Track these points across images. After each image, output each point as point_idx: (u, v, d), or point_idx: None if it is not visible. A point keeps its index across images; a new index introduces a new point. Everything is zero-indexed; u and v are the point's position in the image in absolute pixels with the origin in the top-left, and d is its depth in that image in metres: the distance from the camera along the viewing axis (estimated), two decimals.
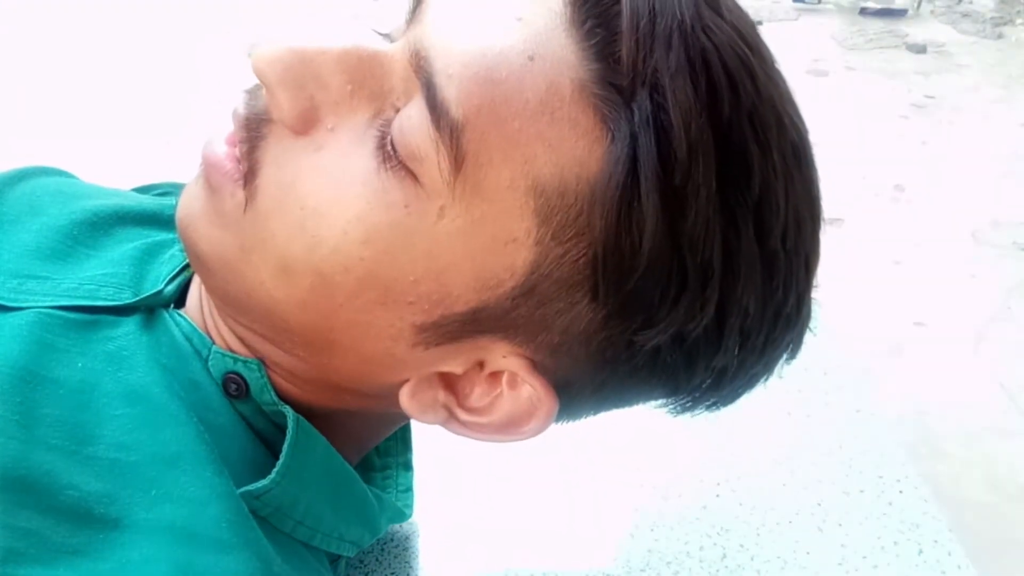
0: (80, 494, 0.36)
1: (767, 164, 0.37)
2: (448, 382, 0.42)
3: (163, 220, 0.52)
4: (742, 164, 0.36)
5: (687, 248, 0.35)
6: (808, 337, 0.45)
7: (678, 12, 0.35)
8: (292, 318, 0.40)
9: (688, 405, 0.42)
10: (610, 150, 0.35)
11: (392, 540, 0.59)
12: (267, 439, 0.43)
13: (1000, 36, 3.40)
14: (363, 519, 0.48)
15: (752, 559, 0.58)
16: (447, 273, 0.37)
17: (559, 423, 0.45)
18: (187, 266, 0.47)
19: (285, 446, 0.41)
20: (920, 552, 0.59)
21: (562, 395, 0.41)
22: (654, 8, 0.35)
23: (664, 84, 0.34)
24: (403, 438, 0.56)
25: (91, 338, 0.42)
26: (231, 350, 0.43)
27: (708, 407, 0.43)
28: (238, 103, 0.40)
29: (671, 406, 0.43)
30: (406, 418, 0.50)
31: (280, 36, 0.38)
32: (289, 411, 0.42)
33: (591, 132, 0.35)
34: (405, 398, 0.41)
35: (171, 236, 0.50)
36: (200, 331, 0.44)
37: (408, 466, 0.56)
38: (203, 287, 0.45)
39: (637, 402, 0.45)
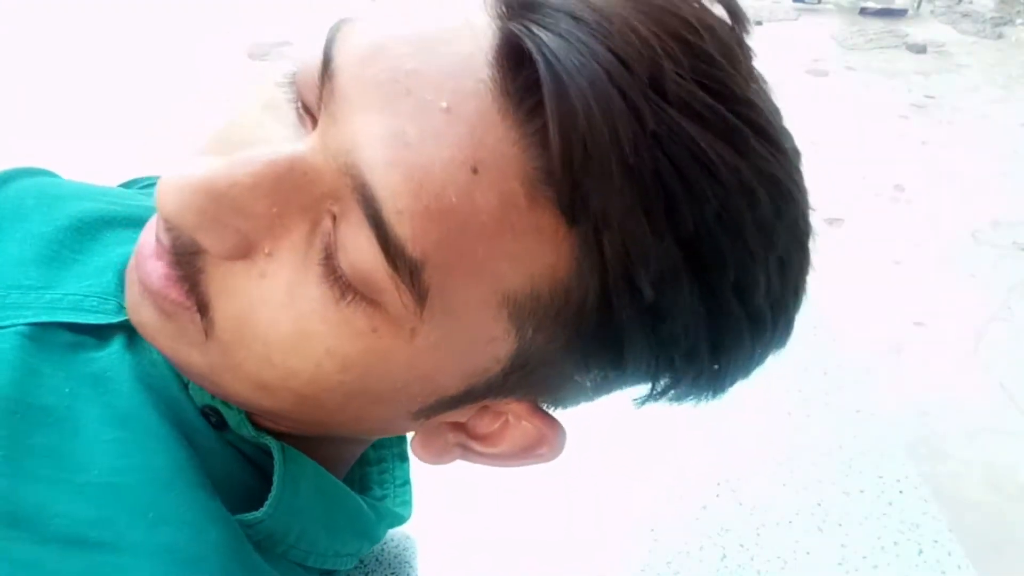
0: (71, 521, 0.35)
1: (742, 248, 0.34)
2: (455, 423, 0.42)
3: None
4: (716, 259, 0.34)
5: (670, 343, 0.35)
6: (808, 337, 0.45)
7: (614, 123, 0.31)
8: (282, 411, 0.39)
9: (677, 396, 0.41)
10: (577, 259, 0.33)
11: (392, 539, 0.58)
12: (254, 461, 0.43)
13: (1000, 36, 3.40)
14: (360, 532, 0.48)
15: (752, 559, 0.58)
16: (433, 375, 0.37)
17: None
18: None
19: (275, 477, 0.41)
20: (920, 552, 0.59)
21: (567, 407, 0.42)
22: (587, 120, 0.31)
23: (614, 223, 0.32)
24: None
25: (76, 359, 0.41)
26: None
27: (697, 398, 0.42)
28: (158, 230, 0.36)
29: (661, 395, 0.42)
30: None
31: (178, 169, 0.34)
32: (272, 442, 0.42)
33: (555, 231, 0.33)
34: (417, 448, 0.41)
35: None
36: None
37: (404, 456, 0.55)
38: None
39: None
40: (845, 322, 1.79)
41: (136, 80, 2.77)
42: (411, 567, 0.57)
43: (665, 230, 0.32)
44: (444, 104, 0.32)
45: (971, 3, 3.64)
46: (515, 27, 0.32)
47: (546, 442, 0.41)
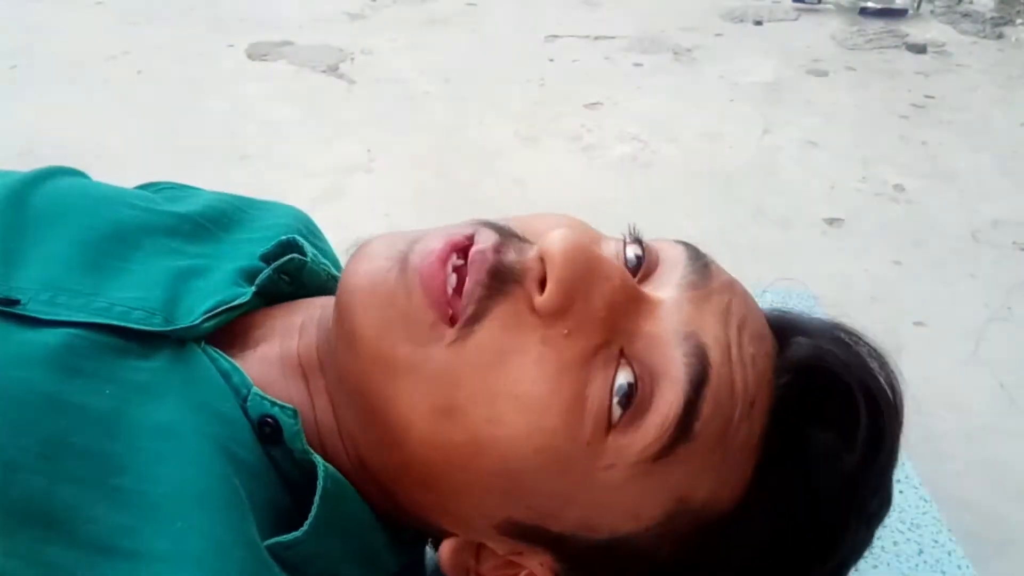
0: (102, 528, 0.35)
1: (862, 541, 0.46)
2: (479, 549, 0.45)
3: (184, 232, 0.52)
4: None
5: None
6: None
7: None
8: (413, 445, 0.40)
9: None
10: (754, 519, 0.41)
11: None
12: (296, 486, 0.43)
13: (1000, 36, 3.40)
14: (383, 565, 0.48)
15: None
16: (572, 504, 0.40)
17: None
18: (230, 309, 0.47)
19: (316, 498, 0.41)
20: (920, 552, 0.59)
21: None
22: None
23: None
24: None
25: (120, 365, 0.41)
26: (287, 395, 0.44)
27: None
28: (485, 243, 0.41)
29: None
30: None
31: (579, 230, 0.42)
32: (319, 460, 0.42)
33: (744, 477, 0.42)
34: (445, 553, 0.44)
35: (200, 259, 0.50)
36: (242, 371, 0.44)
37: None
38: (295, 341, 0.46)
39: None
40: (845, 322, 1.79)
41: (136, 79, 2.77)
42: None
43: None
44: (752, 351, 0.42)
45: (971, 3, 3.64)
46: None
47: None
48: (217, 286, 0.48)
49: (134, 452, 0.38)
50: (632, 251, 0.45)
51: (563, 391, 0.39)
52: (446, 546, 0.44)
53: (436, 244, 0.41)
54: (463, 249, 0.41)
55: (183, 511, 0.37)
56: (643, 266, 0.44)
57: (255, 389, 0.43)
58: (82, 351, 0.41)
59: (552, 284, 0.39)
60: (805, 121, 2.65)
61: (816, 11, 3.53)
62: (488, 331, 0.39)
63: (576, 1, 3.58)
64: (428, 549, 0.57)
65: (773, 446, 0.43)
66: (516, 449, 0.39)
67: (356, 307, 0.40)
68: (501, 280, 0.40)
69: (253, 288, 0.49)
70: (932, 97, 2.85)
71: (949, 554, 0.59)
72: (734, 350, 0.41)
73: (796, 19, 3.48)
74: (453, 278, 0.40)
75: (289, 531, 0.41)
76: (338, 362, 0.43)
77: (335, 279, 0.53)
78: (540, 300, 0.40)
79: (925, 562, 0.59)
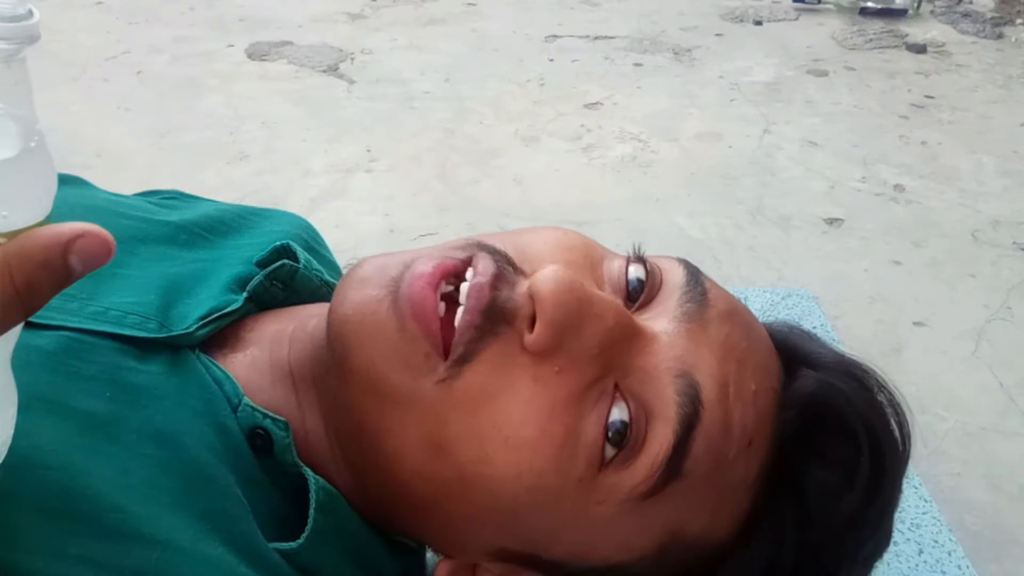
0: (126, 516, 0.35)
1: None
2: (475, 569, 0.44)
3: (180, 241, 0.52)
4: None
5: None
6: None
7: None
8: (405, 475, 0.40)
9: None
10: (750, 551, 0.42)
11: None
12: (290, 497, 0.43)
13: (1000, 36, 3.40)
14: (385, 571, 0.48)
15: None
16: (563, 536, 0.41)
17: None
18: (222, 316, 0.47)
19: (311, 510, 0.41)
20: (920, 552, 0.59)
21: None
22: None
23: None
24: None
25: (119, 367, 0.41)
26: (275, 406, 0.44)
27: None
28: (483, 276, 0.40)
29: None
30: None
31: (574, 256, 0.42)
32: (310, 474, 0.42)
33: (741, 513, 0.42)
34: (443, 571, 0.44)
35: (195, 264, 0.50)
36: (234, 380, 0.44)
37: None
38: (284, 356, 0.46)
39: None
40: (845, 322, 1.79)
41: (136, 79, 2.77)
42: None
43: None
44: (754, 387, 0.42)
45: (971, 3, 3.64)
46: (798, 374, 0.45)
47: None
48: (211, 293, 0.48)
49: (137, 458, 0.38)
50: (635, 272, 0.44)
51: (554, 430, 0.39)
52: (442, 568, 0.45)
53: (426, 269, 0.40)
54: (456, 273, 0.41)
55: (191, 522, 0.37)
56: (646, 289, 0.44)
57: (246, 400, 0.43)
58: (80, 354, 0.41)
59: (540, 325, 0.39)
60: (805, 121, 2.66)
61: (816, 11, 3.53)
62: (477, 372, 0.39)
63: (576, 1, 3.58)
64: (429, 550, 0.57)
65: (773, 481, 0.43)
66: (506, 488, 0.39)
67: (348, 337, 0.40)
68: (493, 321, 0.39)
69: (245, 294, 0.49)
70: (932, 97, 2.85)
71: (949, 554, 0.59)
72: (732, 387, 0.41)
73: (796, 19, 3.48)
74: (442, 307, 0.40)
75: (291, 538, 0.41)
76: (332, 388, 0.43)
77: (328, 285, 0.53)
78: (529, 339, 0.39)
79: (925, 562, 0.59)
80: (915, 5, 3.52)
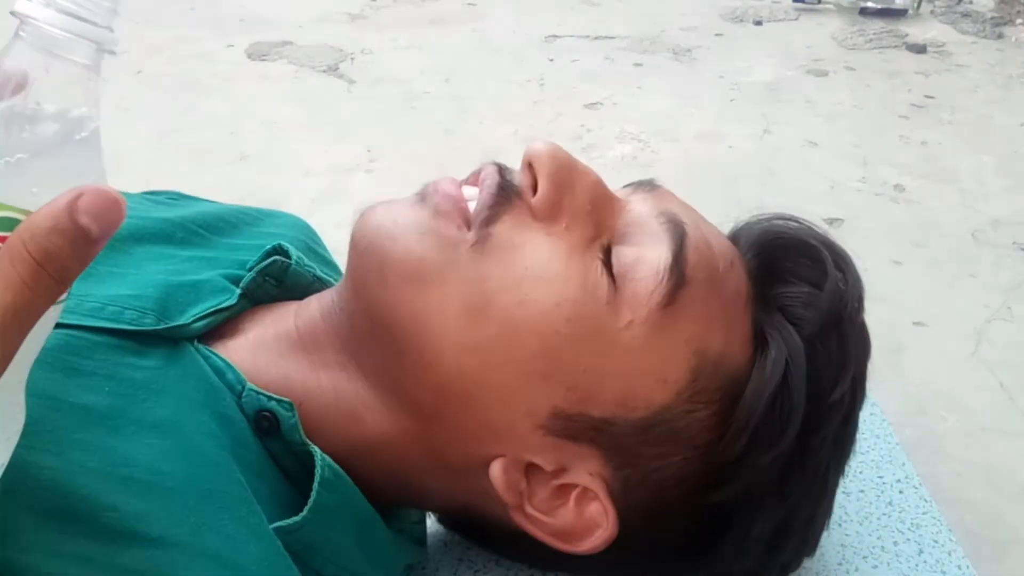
0: (120, 515, 0.36)
1: (862, 406, 0.49)
2: (527, 474, 0.45)
3: (177, 239, 0.52)
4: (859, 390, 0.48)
5: (809, 453, 0.45)
6: None
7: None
8: (448, 358, 0.42)
9: None
10: (766, 362, 0.45)
11: None
12: (295, 478, 0.44)
13: (1000, 36, 3.40)
14: (386, 559, 0.49)
15: None
16: (607, 378, 0.43)
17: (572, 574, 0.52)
18: (218, 311, 0.48)
19: (315, 484, 0.42)
20: (920, 552, 0.59)
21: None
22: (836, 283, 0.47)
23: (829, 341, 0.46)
24: None
25: (118, 362, 0.42)
26: (272, 385, 0.44)
27: None
28: (488, 172, 0.47)
29: None
30: (420, 504, 0.53)
31: (552, 142, 0.47)
32: (316, 451, 0.43)
33: (748, 338, 0.47)
34: (497, 470, 0.44)
35: (191, 263, 0.51)
36: (235, 367, 0.44)
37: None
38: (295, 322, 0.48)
39: (641, 573, 0.51)
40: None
41: (136, 79, 2.77)
42: None
43: (852, 361, 0.47)
44: (715, 231, 0.49)
45: (971, 3, 3.64)
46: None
47: (595, 533, 0.45)
48: (207, 290, 0.49)
49: (138, 447, 0.38)
50: None
51: (575, 265, 0.44)
52: (496, 466, 0.44)
53: (447, 180, 0.47)
54: (470, 185, 0.47)
55: (194, 507, 0.37)
56: None
57: (250, 385, 0.44)
58: (79, 350, 0.41)
59: (542, 180, 0.45)
60: (805, 121, 2.65)
61: (816, 11, 3.53)
62: (503, 229, 0.44)
63: (576, 1, 3.58)
64: (428, 547, 0.57)
65: (760, 307, 0.47)
66: (548, 323, 0.42)
67: (383, 238, 0.44)
68: (506, 193, 0.45)
69: (239, 290, 0.49)
70: (932, 97, 2.85)
71: (949, 554, 0.59)
72: (703, 227, 0.48)
73: (796, 19, 3.48)
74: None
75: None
76: (361, 305, 0.45)
77: (321, 281, 0.54)
78: (536, 199, 0.45)
79: (925, 562, 0.59)
80: (915, 5, 3.52)
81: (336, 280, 0.53)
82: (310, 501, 0.42)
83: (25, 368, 0.30)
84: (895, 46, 3.25)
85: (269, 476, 0.43)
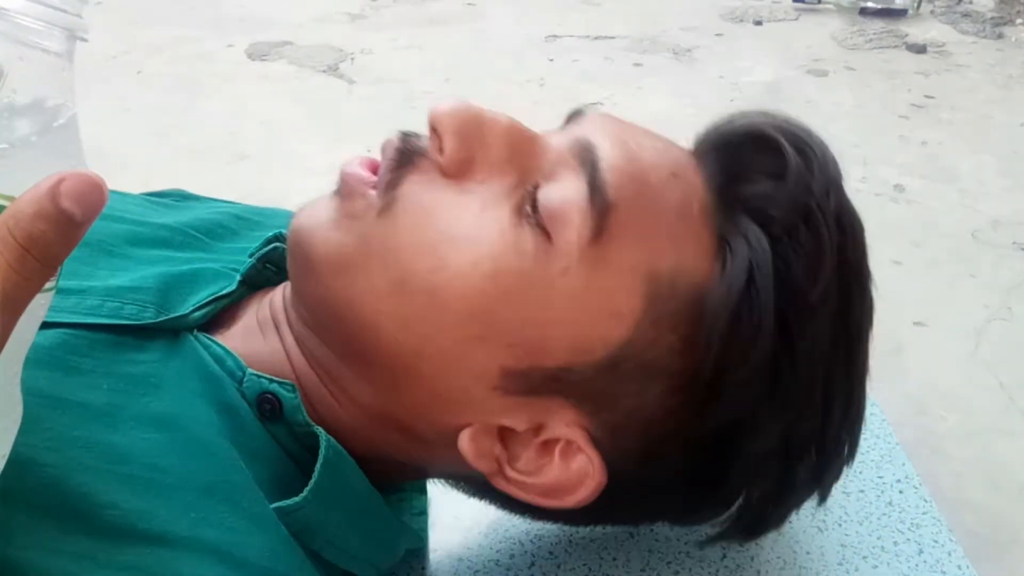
0: (121, 512, 0.36)
1: (863, 303, 0.45)
2: (504, 438, 0.44)
3: (175, 243, 0.53)
4: (848, 308, 0.43)
5: (800, 359, 0.42)
6: None
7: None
8: (386, 336, 0.41)
9: (711, 533, 0.48)
10: (727, 270, 0.41)
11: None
12: (299, 462, 0.44)
13: (1000, 36, 3.40)
14: (387, 543, 0.49)
15: (752, 559, 0.59)
16: (550, 326, 0.41)
17: (578, 526, 0.50)
18: (218, 299, 0.48)
19: (318, 465, 0.42)
20: (920, 552, 0.59)
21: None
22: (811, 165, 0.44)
23: (800, 236, 0.42)
24: None
25: (116, 359, 0.42)
26: (267, 370, 0.44)
27: (726, 537, 0.48)
28: (389, 141, 0.45)
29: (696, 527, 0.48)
30: (424, 475, 0.52)
31: (458, 97, 0.45)
32: (321, 431, 0.43)
33: (708, 249, 0.42)
34: (465, 439, 0.43)
35: (189, 264, 0.51)
36: (235, 354, 0.44)
37: (423, 490, 0.56)
38: (278, 304, 0.48)
39: (659, 517, 0.51)
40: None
41: (136, 79, 2.77)
42: None
43: (834, 251, 0.42)
44: (660, 144, 0.46)
45: (971, 3, 3.64)
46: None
47: (583, 484, 0.43)
48: (206, 278, 0.49)
49: (137, 443, 0.38)
50: None
51: (490, 219, 0.41)
52: (463, 437, 0.43)
53: (354, 159, 0.45)
54: (377, 168, 0.45)
55: (194, 502, 0.37)
56: None
57: (250, 370, 0.44)
58: (78, 349, 0.41)
59: (447, 138, 0.43)
60: (805, 121, 2.65)
61: (816, 11, 3.53)
62: (408, 192, 0.42)
63: (576, 1, 3.58)
64: (428, 547, 0.57)
65: (722, 216, 0.44)
66: (469, 284, 0.40)
67: (304, 237, 0.43)
68: (407, 156, 0.43)
69: (239, 277, 0.50)
70: (932, 97, 2.85)
71: (949, 554, 0.59)
72: (631, 143, 0.44)
73: (796, 19, 3.48)
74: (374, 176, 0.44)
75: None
76: (302, 299, 0.45)
77: None
78: (443, 157, 0.43)
79: (925, 562, 0.59)
80: (915, 5, 3.52)
81: None
82: (311, 482, 0.41)
83: (19, 357, 0.30)
84: (895, 46, 3.25)
85: (273, 460, 0.43)
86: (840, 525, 0.61)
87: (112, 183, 0.59)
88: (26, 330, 0.30)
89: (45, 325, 0.42)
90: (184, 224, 0.54)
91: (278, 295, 0.49)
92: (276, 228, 0.59)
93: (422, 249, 0.41)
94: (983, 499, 1.43)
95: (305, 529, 0.41)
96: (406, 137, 0.45)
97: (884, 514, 0.63)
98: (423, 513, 0.55)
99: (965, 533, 1.32)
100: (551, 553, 0.58)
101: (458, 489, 0.54)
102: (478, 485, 0.50)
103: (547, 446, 0.44)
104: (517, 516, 0.54)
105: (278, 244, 0.51)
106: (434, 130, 0.44)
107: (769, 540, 0.59)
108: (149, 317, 0.44)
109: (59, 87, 0.30)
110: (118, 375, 0.41)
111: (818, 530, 0.61)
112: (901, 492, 0.65)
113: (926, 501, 0.64)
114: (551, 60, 3.05)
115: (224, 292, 0.48)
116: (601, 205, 0.40)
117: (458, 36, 3.23)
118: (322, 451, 0.42)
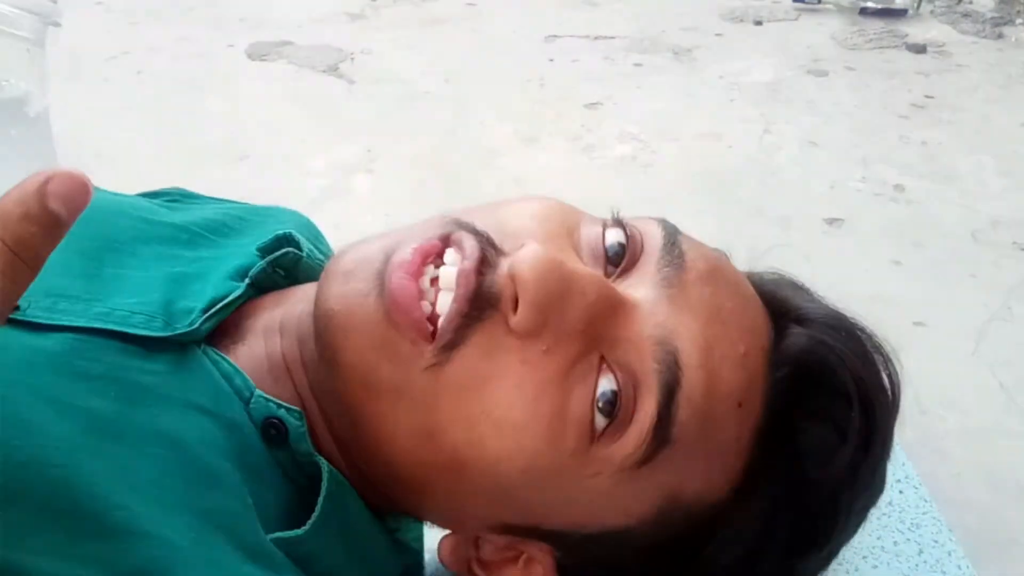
0: (129, 514, 0.35)
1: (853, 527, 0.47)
2: (478, 540, 0.45)
3: (181, 240, 0.52)
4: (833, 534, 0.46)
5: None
6: None
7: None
8: (399, 462, 0.41)
9: None
10: (751, 504, 0.42)
11: None
12: (299, 488, 0.43)
13: (1000, 36, 3.40)
14: (385, 566, 0.49)
15: None
16: (562, 508, 0.41)
17: None
18: (225, 306, 0.47)
19: (320, 498, 0.42)
20: (920, 552, 0.59)
21: None
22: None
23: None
24: None
25: (124, 366, 0.41)
26: (277, 397, 0.44)
27: None
28: (470, 259, 0.40)
29: None
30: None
31: (555, 252, 0.40)
32: (324, 463, 0.43)
33: (735, 474, 0.42)
34: (445, 550, 0.45)
35: (196, 263, 0.50)
36: (243, 373, 0.44)
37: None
38: (289, 353, 0.46)
39: None
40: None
41: (136, 79, 2.77)
42: None
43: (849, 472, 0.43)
44: (742, 349, 0.42)
45: (971, 3, 3.64)
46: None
47: None
48: (213, 284, 0.48)
49: (142, 456, 0.38)
50: (613, 236, 0.44)
51: (543, 410, 0.39)
52: (445, 543, 0.45)
53: (406, 257, 0.40)
54: (438, 254, 0.41)
55: (191, 523, 0.37)
56: (627, 254, 0.43)
57: (258, 392, 0.43)
58: (86, 354, 0.41)
59: (523, 307, 0.39)
60: (805, 121, 2.65)
61: (816, 11, 3.53)
62: (466, 357, 0.39)
63: (576, 1, 3.58)
64: (428, 548, 0.57)
65: (767, 439, 0.43)
66: (499, 469, 0.40)
67: (336, 332, 0.40)
68: (479, 307, 0.39)
69: (247, 281, 0.49)
70: (932, 97, 2.85)
71: (949, 554, 0.59)
72: (717, 350, 0.41)
73: (796, 19, 3.48)
74: (431, 293, 0.40)
75: (296, 528, 0.41)
76: (322, 377, 0.43)
77: None
78: (514, 321, 0.39)
79: (925, 562, 0.59)
80: (915, 5, 3.52)
81: None
82: (313, 516, 0.41)
83: None
84: (895, 46, 3.25)
85: (275, 484, 0.42)
86: None
87: (112, 183, 0.59)
88: None
89: (52, 328, 0.41)
90: (189, 222, 0.54)
91: (291, 334, 0.46)
92: (278, 222, 0.59)
93: (461, 422, 0.39)
94: (983, 499, 1.43)
95: (303, 560, 0.41)
96: (482, 262, 0.40)
97: (884, 514, 0.63)
98: (419, 529, 0.55)
99: (965, 533, 1.32)
100: None
101: None
102: None
103: (513, 549, 0.45)
104: None
105: (290, 250, 0.51)
106: (511, 279, 0.39)
107: None
108: (157, 328, 0.43)
109: (30, 73, 0.29)
110: (125, 383, 0.40)
111: None
112: (901, 492, 0.65)
113: (926, 501, 0.64)
114: (551, 60, 3.05)
115: (231, 298, 0.47)
116: (660, 440, 0.39)
117: (458, 36, 3.22)
118: (324, 484, 0.42)
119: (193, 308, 0.45)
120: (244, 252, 0.52)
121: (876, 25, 3.41)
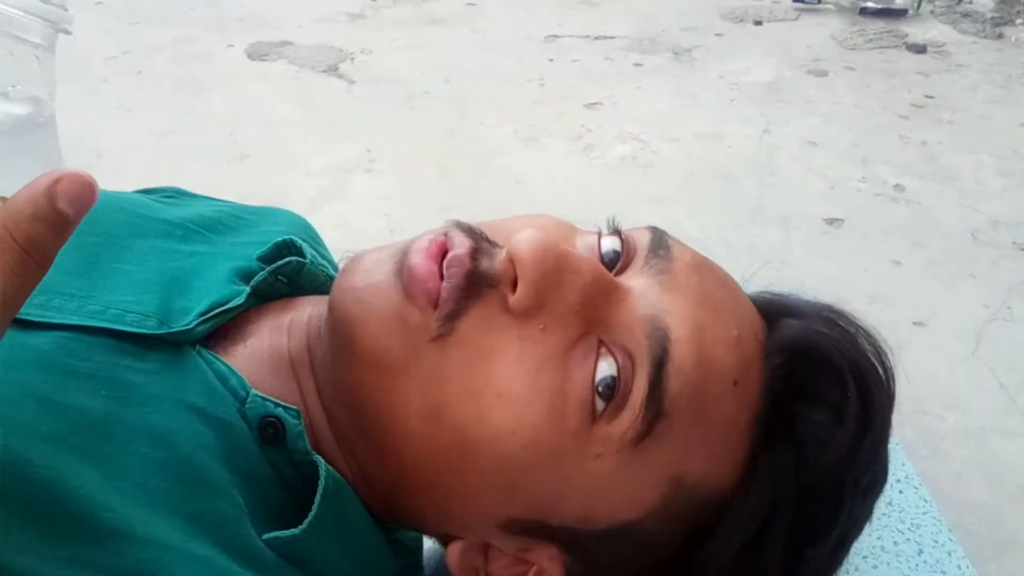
0: (117, 516, 0.35)
1: (861, 515, 0.47)
2: (487, 548, 0.45)
3: (177, 236, 0.52)
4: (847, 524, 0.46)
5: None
6: None
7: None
8: (408, 451, 0.41)
9: None
10: (754, 490, 0.43)
11: None
12: (293, 489, 0.43)
13: (1000, 36, 3.40)
14: (381, 566, 0.48)
15: None
16: (567, 496, 0.42)
17: None
18: (224, 311, 0.47)
19: (317, 496, 0.42)
20: (920, 552, 0.59)
21: None
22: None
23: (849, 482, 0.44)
24: None
25: (116, 365, 0.41)
26: (277, 395, 0.44)
27: None
28: (460, 249, 0.42)
29: None
30: None
31: (549, 234, 0.42)
32: (321, 461, 0.43)
33: (738, 459, 0.43)
34: (453, 556, 0.45)
35: (193, 258, 0.50)
36: (239, 373, 0.44)
37: None
38: (296, 349, 0.46)
39: None
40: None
41: (136, 79, 2.77)
42: None
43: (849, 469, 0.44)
44: (735, 333, 0.43)
45: (971, 3, 3.64)
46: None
47: None
48: (212, 286, 0.48)
49: (131, 456, 0.38)
50: (609, 244, 0.46)
51: (543, 387, 0.40)
52: (453, 549, 0.45)
53: (424, 244, 0.42)
54: (447, 251, 0.43)
55: (179, 525, 0.37)
56: (621, 258, 0.45)
57: (254, 391, 0.43)
58: (78, 352, 0.41)
59: (523, 284, 0.40)
60: (805, 121, 2.66)
61: (816, 11, 3.53)
62: (467, 329, 0.40)
63: (576, 1, 3.58)
64: (426, 548, 0.57)
65: (767, 427, 0.44)
66: (504, 446, 0.40)
67: (353, 323, 0.41)
68: (476, 284, 0.41)
69: (248, 289, 0.48)
70: (932, 97, 2.85)
71: (949, 554, 0.59)
72: (708, 331, 0.42)
73: (796, 19, 3.48)
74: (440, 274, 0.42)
75: (291, 528, 0.41)
76: (333, 372, 0.44)
77: (332, 280, 0.53)
78: (513, 300, 0.41)
79: (925, 562, 0.59)
80: (915, 5, 3.52)
81: None
82: (310, 515, 0.41)
83: None
84: (895, 46, 3.25)
85: (268, 484, 0.42)
86: None
87: (112, 183, 0.59)
88: None
89: (43, 327, 0.41)
90: (184, 218, 0.54)
91: (299, 334, 0.47)
92: (275, 223, 0.59)
93: (467, 394, 0.40)
94: (983, 499, 1.43)
95: (299, 559, 0.41)
96: (475, 251, 0.42)
97: (884, 514, 0.63)
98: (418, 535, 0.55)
99: (965, 533, 1.33)
100: None
101: None
102: None
103: (523, 561, 0.45)
104: None
105: (293, 258, 0.51)
106: (510, 261, 0.41)
107: None
108: (151, 327, 0.43)
109: (42, 80, 0.30)
110: (117, 381, 0.40)
111: None
112: (901, 492, 0.65)
113: (926, 501, 0.64)
114: (551, 60, 3.05)
115: (232, 304, 0.47)
116: (654, 412, 0.40)
117: (458, 36, 3.23)
118: (322, 483, 0.42)
119: (190, 309, 0.45)
120: (242, 253, 0.52)
121: (876, 25, 3.41)
